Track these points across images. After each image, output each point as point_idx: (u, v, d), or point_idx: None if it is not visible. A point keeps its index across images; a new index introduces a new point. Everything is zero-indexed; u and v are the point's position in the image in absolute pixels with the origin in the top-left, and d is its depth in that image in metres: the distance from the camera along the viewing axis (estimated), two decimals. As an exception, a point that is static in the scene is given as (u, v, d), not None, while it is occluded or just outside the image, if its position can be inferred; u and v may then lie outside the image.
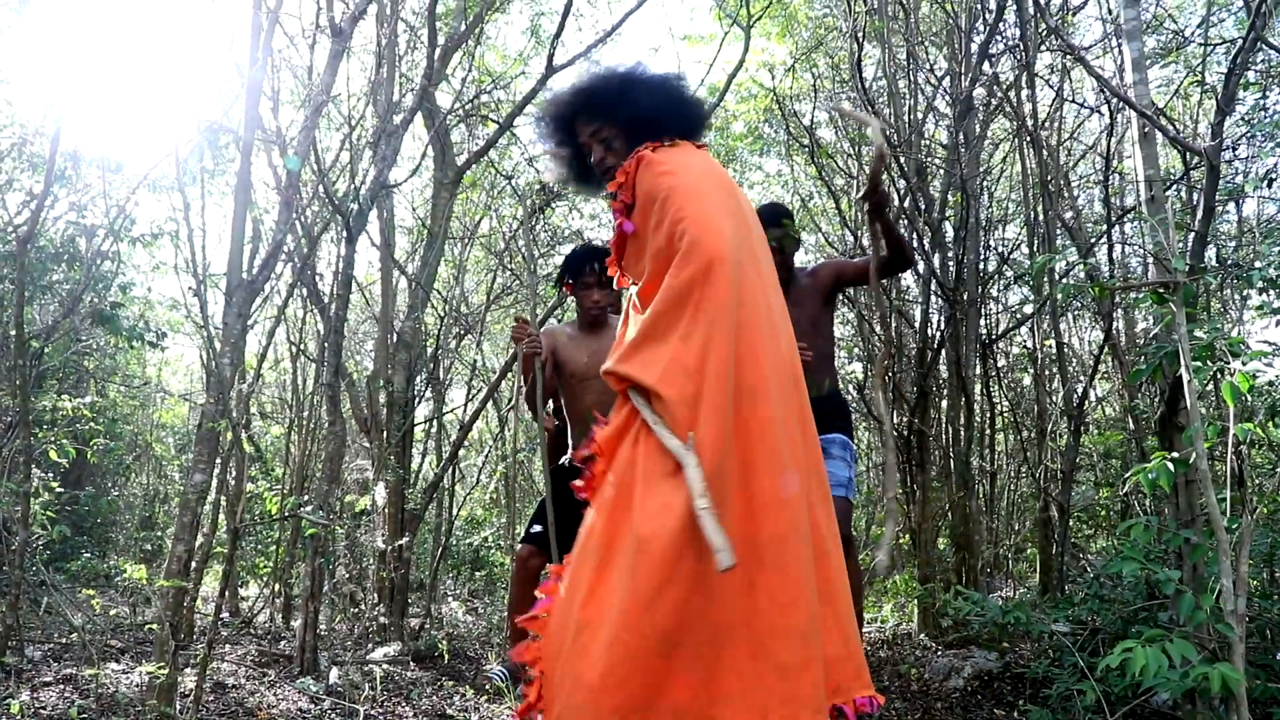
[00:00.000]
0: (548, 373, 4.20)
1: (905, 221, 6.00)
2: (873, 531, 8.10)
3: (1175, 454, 2.97)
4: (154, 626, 4.52)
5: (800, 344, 3.68)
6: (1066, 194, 6.32)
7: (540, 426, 4.25)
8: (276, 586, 7.09)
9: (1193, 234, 3.32)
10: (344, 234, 5.40)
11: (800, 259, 4.93)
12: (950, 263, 5.87)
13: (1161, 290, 2.81)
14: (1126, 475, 6.03)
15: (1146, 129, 3.29)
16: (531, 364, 3.97)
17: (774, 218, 4.02)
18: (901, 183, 6.05)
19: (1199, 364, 2.72)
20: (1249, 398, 2.98)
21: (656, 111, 2.78)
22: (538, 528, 4.07)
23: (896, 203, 6.12)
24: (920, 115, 6.45)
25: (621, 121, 2.82)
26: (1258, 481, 5.62)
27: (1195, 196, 5.44)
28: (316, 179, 5.57)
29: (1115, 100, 4.86)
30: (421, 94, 5.95)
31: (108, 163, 6.71)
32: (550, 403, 4.51)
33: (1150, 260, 3.36)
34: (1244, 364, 2.64)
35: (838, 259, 5.12)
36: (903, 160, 5.90)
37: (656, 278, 2.55)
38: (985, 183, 6.91)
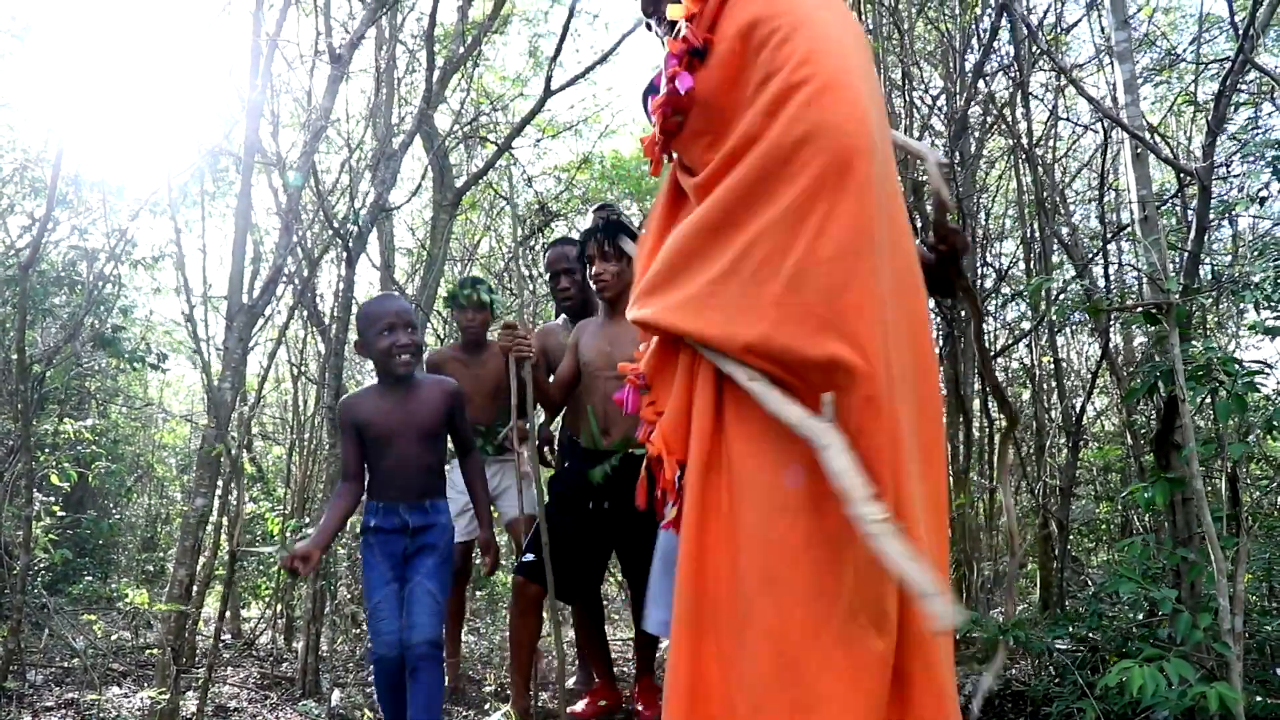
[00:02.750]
0: (564, 370, 3.87)
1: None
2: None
3: (1171, 472, 2.99)
4: (156, 650, 4.53)
5: None
6: (1062, 210, 6.35)
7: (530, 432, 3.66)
8: (278, 608, 7.09)
9: (1186, 253, 3.35)
10: (344, 256, 5.43)
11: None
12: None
13: (1155, 310, 2.83)
14: (1124, 493, 6.05)
15: (1139, 150, 3.32)
16: (520, 369, 3.50)
17: None
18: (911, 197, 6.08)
19: (1193, 383, 2.74)
20: (1242, 417, 3.01)
21: None
22: (530, 556, 3.73)
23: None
24: (916, 134, 6.48)
25: None
26: (1255, 496, 5.63)
27: (1189, 214, 5.47)
28: (316, 201, 5.61)
29: (1108, 120, 4.90)
30: (420, 116, 5.99)
31: (109, 186, 6.74)
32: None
33: (1144, 279, 3.38)
34: (1237, 382, 2.66)
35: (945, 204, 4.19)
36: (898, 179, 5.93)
37: (739, 169, 1.65)
38: (981, 200, 6.94)
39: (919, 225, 5.99)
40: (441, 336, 8.00)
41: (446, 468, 3.56)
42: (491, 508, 3.98)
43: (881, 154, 1.61)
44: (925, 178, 6.60)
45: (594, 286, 3.79)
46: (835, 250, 1.56)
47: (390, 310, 3.33)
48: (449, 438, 3.52)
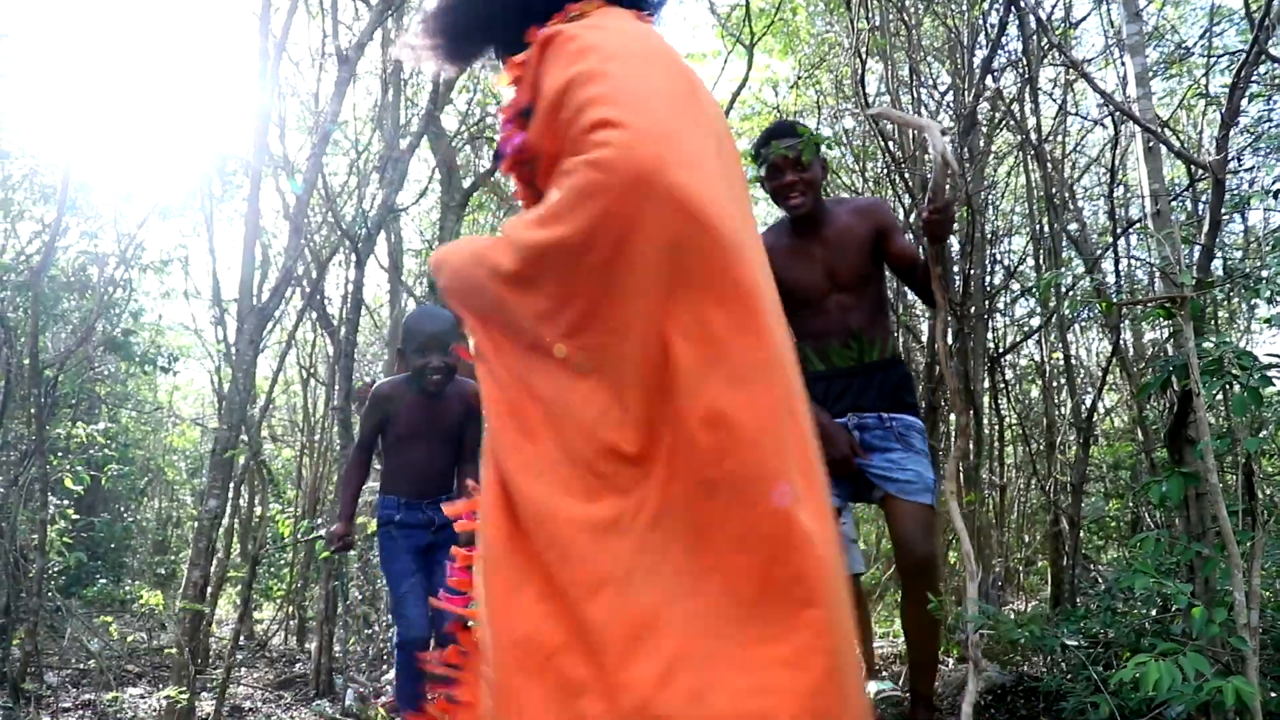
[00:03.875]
0: None
1: (909, 236, 6.01)
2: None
3: (1185, 467, 2.98)
4: (171, 651, 4.54)
5: (841, 297, 3.26)
6: (1071, 206, 6.33)
7: None
8: (291, 609, 7.11)
9: (1199, 247, 3.34)
10: (352, 258, 5.44)
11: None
12: (956, 277, 5.89)
13: (1168, 305, 2.82)
14: (1136, 488, 6.03)
15: (1151, 143, 3.31)
16: None
17: (788, 128, 3.29)
18: (907, 199, 6.07)
19: (1207, 377, 2.73)
20: (1258, 410, 3.00)
21: None
22: None
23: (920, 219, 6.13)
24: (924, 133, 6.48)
25: (494, 11, 1.91)
26: (1269, 492, 5.61)
27: (1200, 208, 5.45)
28: (324, 204, 5.62)
29: (1119, 114, 4.89)
30: (427, 117, 5.99)
31: (118, 191, 6.77)
32: None
33: (1157, 274, 3.37)
34: (1252, 376, 2.65)
35: (891, 216, 3.50)
36: (907, 176, 5.91)
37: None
38: (990, 196, 6.92)
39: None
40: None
41: None
42: None
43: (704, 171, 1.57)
44: (931, 174, 6.59)
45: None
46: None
47: (427, 332, 3.45)
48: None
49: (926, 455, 3.28)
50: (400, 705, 3.40)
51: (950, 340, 3.39)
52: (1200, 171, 4.70)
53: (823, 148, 3.35)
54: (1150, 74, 4.09)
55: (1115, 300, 3.91)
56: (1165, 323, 3.18)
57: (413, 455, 3.48)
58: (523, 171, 1.85)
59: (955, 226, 6.00)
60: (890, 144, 6.07)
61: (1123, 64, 4.04)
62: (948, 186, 2.98)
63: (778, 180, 3.24)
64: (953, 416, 3.21)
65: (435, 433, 3.47)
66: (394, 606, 3.41)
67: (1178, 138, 6.67)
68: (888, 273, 3.46)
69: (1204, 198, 5.74)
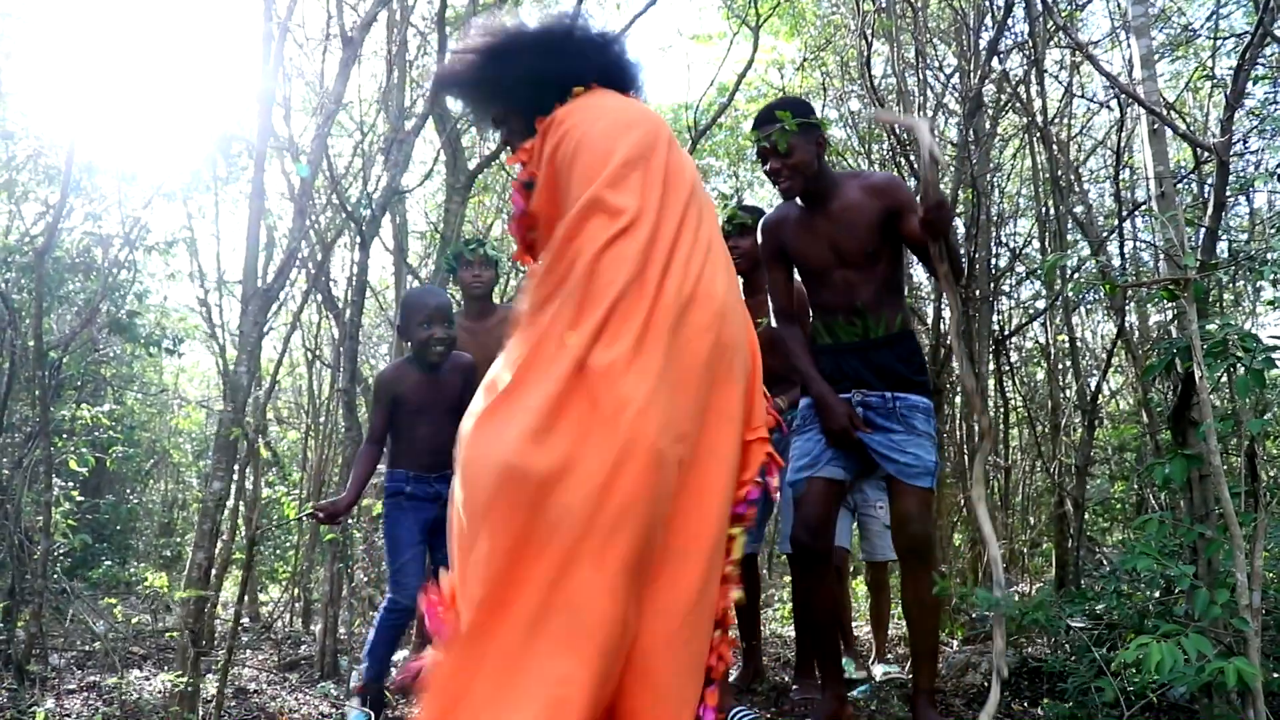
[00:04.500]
0: None
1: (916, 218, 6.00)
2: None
3: (1188, 449, 2.98)
4: (175, 634, 4.56)
5: (847, 272, 3.27)
6: (1077, 188, 6.32)
7: None
8: (296, 591, 7.14)
9: (1203, 229, 3.33)
10: (358, 240, 5.44)
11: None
12: (962, 260, 5.87)
13: (1173, 287, 2.82)
14: (1140, 470, 6.03)
15: (1156, 125, 3.29)
16: None
17: (768, 114, 3.26)
18: (912, 181, 6.06)
19: (1211, 359, 2.73)
20: (1261, 392, 2.99)
21: (543, 69, 2.27)
22: None
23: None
24: (930, 112, 6.45)
25: (502, 96, 2.36)
26: (1272, 474, 5.61)
27: (1206, 191, 5.43)
28: (329, 186, 5.61)
29: (1124, 96, 4.87)
30: (432, 99, 5.98)
31: (122, 172, 6.76)
32: None
33: (1162, 256, 3.36)
34: (1255, 358, 2.65)
35: (906, 194, 3.35)
36: (912, 158, 5.90)
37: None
38: (995, 179, 6.90)
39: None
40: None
41: None
42: None
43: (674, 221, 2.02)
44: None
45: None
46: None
47: (431, 305, 3.68)
48: None
49: (930, 437, 3.26)
50: (367, 662, 3.54)
51: (960, 330, 3.38)
52: (1205, 154, 4.69)
53: (829, 129, 3.36)
54: (1156, 56, 4.07)
55: (1120, 282, 3.90)
56: (1170, 305, 3.17)
57: (420, 430, 3.63)
58: (526, 235, 2.25)
59: (958, 209, 6.00)
60: (895, 127, 6.05)
61: (1128, 46, 4.03)
62: (939, 179, 3.01)
63: (766, 166, 3.31)
64: (974, 417, 3.22)
65: (440, 406, 3.58)
66: (392, 573, 3.54)
67: (1183, 120, 6.64)
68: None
69: (1209, 180, 5.71)
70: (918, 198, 3.02)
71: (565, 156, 2.04)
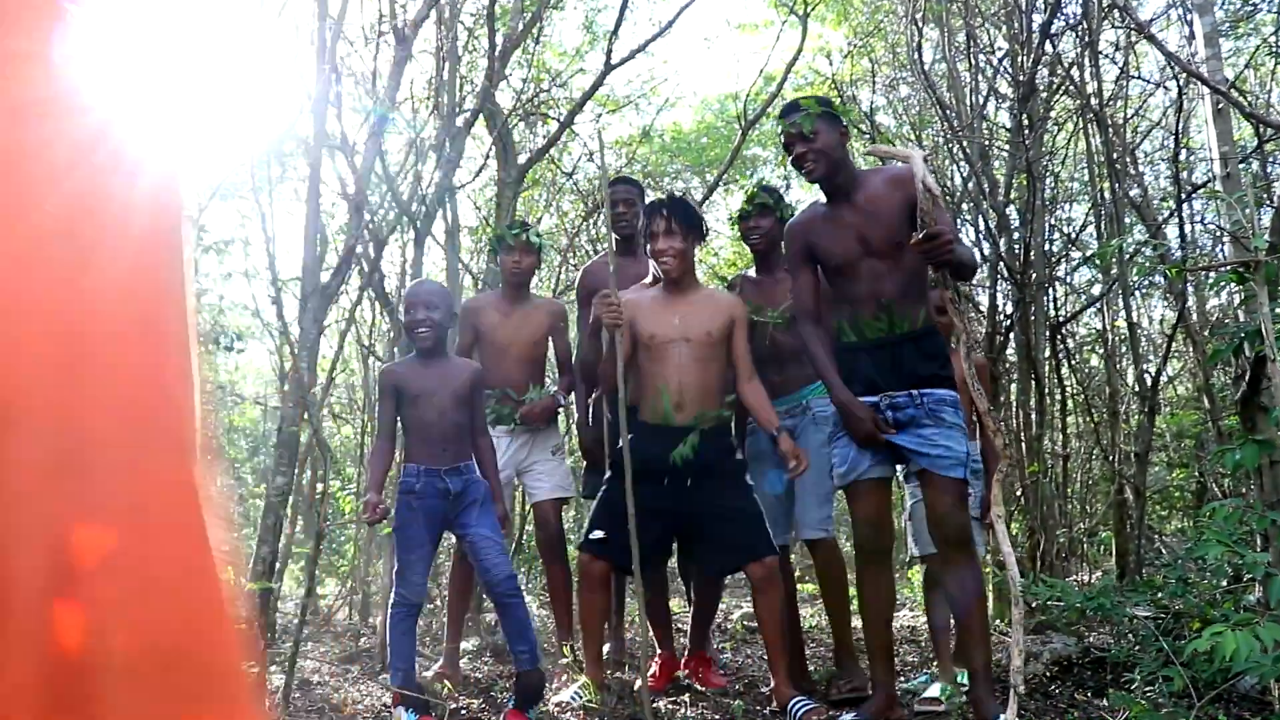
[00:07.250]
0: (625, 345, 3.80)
1: (970, 205, 5.95)
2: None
3: (1258, 434, 2.93)
4: (240, 626, 4.63)
5: (874, 263, 3.33)
6: (1133, 171, 6.23)
7: (619, 402, 3.61)
8: (354, 585, 7.22)
9: (1270, 210, 3.27)
10: (411, 236, 5.48)
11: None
12: (1016, 246, 5.81)
13: (1241, 269, 2.77)
14: (1206, 455, 5.94)
15: (1220, 105, 3.24)
16: (613, 337, 3.65)
17: (793, 105, 3.41)
18: (965, 167, 6.00)
19: (1282, 343, 2.68)
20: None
21: None
22: (598, 533, 3.75)
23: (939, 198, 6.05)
24: (981, 98, 6.39)
25: None
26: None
27: (1271, 169, 5.33)
28: (383, 183, 5.65)
29: (1183, 74, 4.78)
30: (483, 95, 6.01)
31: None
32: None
33: (1227, 238, 3.31)
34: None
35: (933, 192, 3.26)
36: (965, 145, 5.84)
37: None
38: (1049, 163, 6.82)
39: (985, 190, 5.90)
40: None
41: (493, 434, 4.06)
42: (516, 481, 4.62)
43: None
44: (990, 143, 6.51)
45: (658, 263, 3.80)
46: None
47: (414, 292, 3.83)
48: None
49: (960, 428, 3.30)
50: (391, 660, 3.62)
51: (979, 353, 3.45)
52: (1269, 132, 4.60)
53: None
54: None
55: (1186, 266, 3.84)
56: (1236, 288, 3.12)
57: (426, 416, 3.70)
58: None
59: (1013, 196, 5.93)
60: (948, 111, 6.00)
61: (1187, 23, 3.96)
62: (936, 208, 3.08)
63: (792, 153, 3.40)
64: (996, 439, 3.27)
65: (443, 391, 3.69)
66: (400, 569, 3.64)
67: (1245, 97, 6.51)
68: None
69: (1273, 158, 5.61)
70: (918, 226, 3.08)
71: None
